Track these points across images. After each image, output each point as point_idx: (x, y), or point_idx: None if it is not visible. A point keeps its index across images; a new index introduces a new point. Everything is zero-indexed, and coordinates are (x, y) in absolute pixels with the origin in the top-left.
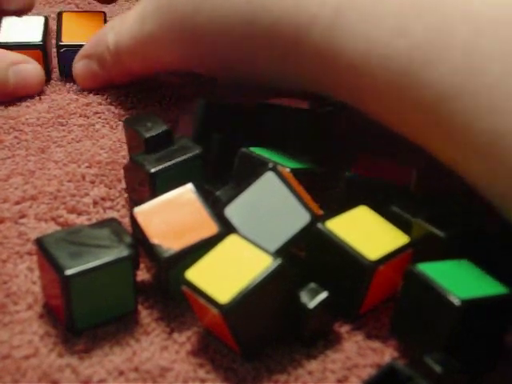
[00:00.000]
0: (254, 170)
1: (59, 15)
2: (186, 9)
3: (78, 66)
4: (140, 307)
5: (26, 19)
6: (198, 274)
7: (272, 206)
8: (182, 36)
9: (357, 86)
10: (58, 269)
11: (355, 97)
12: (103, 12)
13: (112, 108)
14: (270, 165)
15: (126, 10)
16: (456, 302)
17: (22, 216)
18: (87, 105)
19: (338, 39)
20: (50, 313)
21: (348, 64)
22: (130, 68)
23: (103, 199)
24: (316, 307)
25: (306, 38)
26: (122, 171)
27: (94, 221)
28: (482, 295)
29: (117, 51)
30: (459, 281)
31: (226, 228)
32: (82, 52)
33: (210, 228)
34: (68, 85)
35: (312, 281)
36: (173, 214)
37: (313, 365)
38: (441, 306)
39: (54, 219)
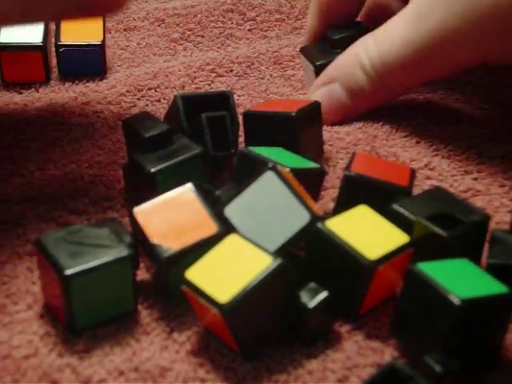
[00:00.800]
0: (253, 170)
1: None
2: None
3: (317, 94)
4: (140, 307)
5: None
6: (197, 274)
7: (272, 206)
8: (492, 26)
9: None
10: (58, 269)
11: None
12: None
13: (111, 108)
14: (270, 164)
15: (125, 9)
16: (456, 301)
17: (22, 217)
18: (86, 104)
19: None
20: (49, 313)
21: None
22: (392, 85)
23: (103, 199)
24: (316, 307)
25: None
26: (121, 171)
27: (93, 221)
28: (481, 295)
29: (378, 68)
30: (459, 280)
31: (226, 228)
32: (322, 77)
33: (210, 228)
34: (67, 84)
35: (312, 281)
36: (173, 214)
37: (313, 365)
38: (441, 306)
39: (53, 220)
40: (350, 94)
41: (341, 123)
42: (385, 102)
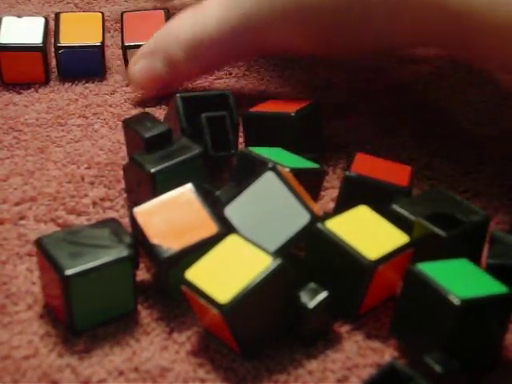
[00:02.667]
0: (253, 170)
1: (57, 16)
2: None
3: (137, 67)
4: (140, 307)
5: (25, 20)
6: (197, 274)
7: (272, 206)
8: (297, 14)
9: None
10: (58, 269)
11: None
12: (101, 12)
13: (111, 108)
14: (270, 165)
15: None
16: (456, 301)
17: (22, 217)
18: (86, 105)
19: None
20: (49, 313)
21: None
22: (206, 62)
23: (102, 200)
24: (316, 307)
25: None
26: (121, 171)
27: (93, 221)
28: (481, 295)
29: (191, 45)
30: (459, 281)
31: (226, 228)
32: (141, 51)
33: (210, 228)
34: (67, 85)
35: (312, 281)
36: (172, 214)
37: (313, 365)
38: (441, 306)
39: (53, 220)
40: (167, 67)
41: (340, 119)
42: (200, 76)
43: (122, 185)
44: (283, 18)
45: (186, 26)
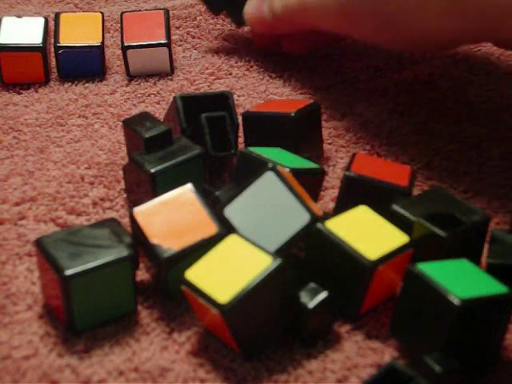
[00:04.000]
0: (253, 170)
1: (57, 16)
2: None
3: (251, 4)
4: (140, 307)
5: (25, 20)
6: (197, 274)
7: (272, 206)
8: (354, 5)
9: None
10: (58, 269)
11: None
12: (101, 13)
13: (111, 109)
14: (270, 165)
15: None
16: (456, 301)
17: (22, 217)
18: (86, 105)
19: None
20: (49, 313)
21: None
22: (294, 22)
23: (102, 200)
24: (316, 307)
25: None
26: (121, 172)
27: (93, 221)
28: (481, 295)
29: (283, 3)
30: (459, 281)
31: (226, 228)
32: None
33: (210, 228)
34: (66, 85)
35: (312, 281)
36: (172, 214)
37: (313, 365)
38: (440, 306)
39: (53, 220)
40: (270, 12)
41: (340, 119)
42: (297, 31)
43: (122, 185)
44: (340, 9)
45: None
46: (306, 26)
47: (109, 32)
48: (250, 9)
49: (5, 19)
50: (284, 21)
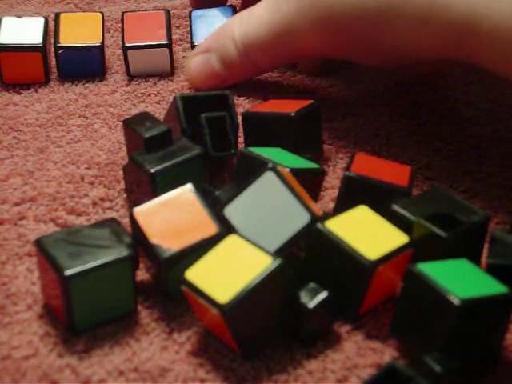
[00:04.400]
0: (253, 170)
1: (57, 16)
2: None
3: (193, 62)
4: (140, 307)
5: (25, 20)
6: (197, 274)
7: (272, 206)
8: (327, 24)
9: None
10: (58, 269)
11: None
12: (101, 13)
13: (111, 109)
14: (270, 165)
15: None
16: (456, 301)
17: (22, 217)
18: (86, 105)
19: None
20: (49, 313)
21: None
22: (257, 62)
23: (102, 200)
24: (316, 307)
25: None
26: (121, 172)
27: (93, 221)
28: (481, 295)
29: (243, 43)
30: (459, 281)
31: (226, 228)
32: (200, 46)
33: (210, 228)
34: (66, 85)
35: (312, 281)
36: (172, 214)
37: (313, 365)
38: (440, 306)
39: (53, 220)
40: (222, 64)
41: (340, 119)
42: (254, 76)
43: (122, 185)
44: (313, 26)
45: (240, 25)
46: (276, 58)
47: (109, 32)
48: (195, 67)
49: (5, 19)
50: (251, 60)
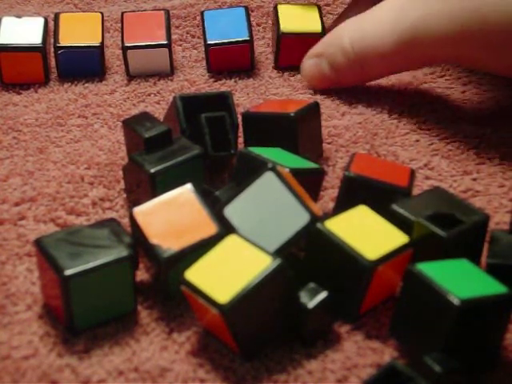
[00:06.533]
0: (253, 171)
1: (56, 16)
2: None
3: (307, 64)
4: (139, 307)
5: (25, 20)
6: (197, 274)
7: (271, 206)
8: (468, 29)
9: None
10: (58, 269)
11: None
12: (101, 13)
13: (110, 109)
14: (270, 165)
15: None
16: (455, 301)
17: (21, 217)
18: (86, 105)
19: None
20: (49, 313)
21: None
22: (369, 71)
23: (102, 200)
24: (315, 307)
25: None
26: (120, 172)
27: (93, 221)
28: (481, 295)
29: (355, 51)
30: (459, 281)
31: (226, 228)
32: (312, 50)
33: (210, 228)
34: (66, 85)
35: (312, 281)
36: (172, 214)
37: (312, 365)
38: (440, 306)
39: (53, 220)
40: (332, 70)
41: (340, 119)
42: (364, 83)
43: (122, 185)
44: (463, 36)
45: (352, 33)
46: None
47: (109, 32)
48: (308, 70)
49: (4, 19)
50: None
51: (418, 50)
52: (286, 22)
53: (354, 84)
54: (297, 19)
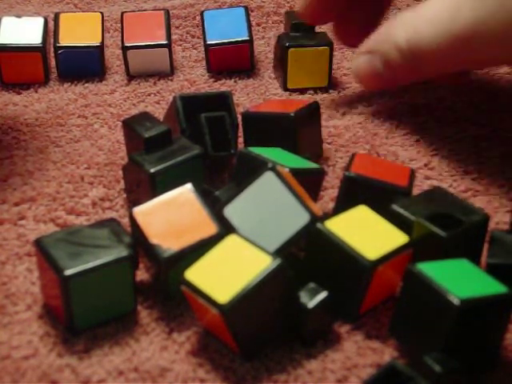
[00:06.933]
0: (253, 170)
1: (56, 16)
2: None
3: (359, 62)
4: (139, 307)
5: (25, 20)
6: (197, 274)
7: (271, 206)
8: None
9: None
10: (58, 269)
11: None
12: (101, 13)
13: (110, 109)
14: (270, 165)
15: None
16: (455, 301)
17: (21, 217)
18: (86, 105)
19: None
20: (49, 313)
21: None
22: (423, 68)
23: (102, 200)
24: (315, 307)
25: None
26: (120, 172)
27: (93, 221)
28: (481, 295)
29: (410, 49)
30: (459, 281)
31: (226, 228)
32: (363, 46)
33: (210, 228)
34: (66, 85)
35: (312, 281)
36: (172, 214)
37: (312, 365)
38: (440, 306)
39: (52, 220)
40: (385, 67)
41: (340, 119)
42: (419, 79)
43: (122, 185)
44: (506, 33)
45: (405, 29)
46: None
47: (108, 32)
48: (360, 67)
49: (4, 19)
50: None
51: (474, 51)
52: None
53: (409, 81)
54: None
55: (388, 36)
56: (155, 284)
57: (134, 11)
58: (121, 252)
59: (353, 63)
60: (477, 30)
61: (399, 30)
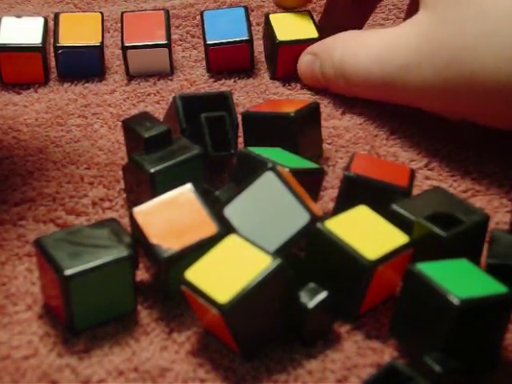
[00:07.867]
0: (253, 170)
1: (56, 16)
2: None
3: (303, 60)
4: (139, 307)
5: (25, 20)
6: (197, 274)
7: (271, 206)
8: (453, 85)
9: None
10: (58, 269)
11: None
12: (101, 13)
13: (110, 109)
14: (270, 165)
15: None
16: (455, 301)
17: (21, 218)
18: (86, 105)
19: None
20: (49, 313)
21: None
22: (353, 88)
23: (102, 200)
24: (315, 307)
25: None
26: (120, 172)
27: (93, 221)
28: (481, 295)
29: (341, 68)
30: (459, 281)
31: (226, 228)
32: (311, 47)
33: (210, 228)
34: (66, 85)
35: (312, 281)
36: (172, 214)
37: (312, 365)
38: (440, 306)
39: (52, 221)
40: (322, 74)
41: (340, 119)
42: (347, 91)
43: (122, 185)
44: (446, 91)
45: (345, 48)
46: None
47: (108, 32)
48: (302, 65)
49: (4, 19)
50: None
51: (401, 93)
52: (282, 32)
53: (340, 93)
54: (291, 27)
55: (330, 46)
56: (155, 284)
57: (133, 11)
58: (121, 252)
59: (299, 60)
60: (403, 76)
61: (341, 45)
